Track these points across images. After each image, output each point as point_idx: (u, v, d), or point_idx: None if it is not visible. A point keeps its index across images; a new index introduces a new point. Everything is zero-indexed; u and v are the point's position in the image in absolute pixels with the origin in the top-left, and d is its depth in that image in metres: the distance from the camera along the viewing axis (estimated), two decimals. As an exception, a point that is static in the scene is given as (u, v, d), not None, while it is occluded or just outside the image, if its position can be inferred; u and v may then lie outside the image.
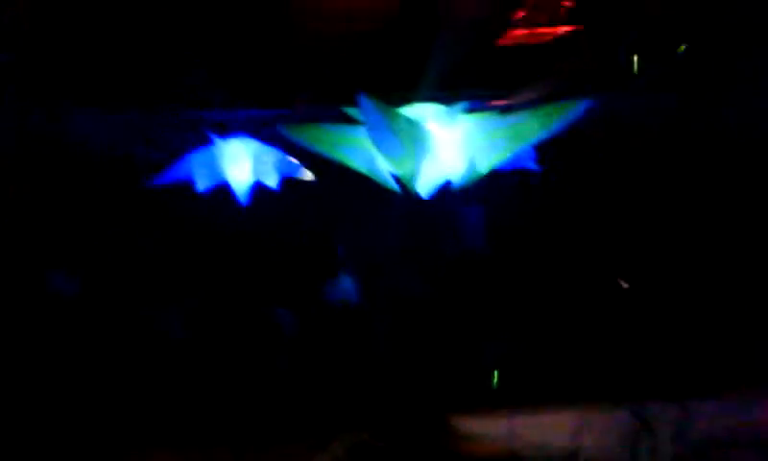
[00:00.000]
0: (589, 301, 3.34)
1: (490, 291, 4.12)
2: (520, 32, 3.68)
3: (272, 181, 4.34)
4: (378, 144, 3.94)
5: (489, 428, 2.58)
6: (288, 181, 4.31)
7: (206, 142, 4.22)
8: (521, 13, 3.64)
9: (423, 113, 3.99)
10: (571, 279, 3.78)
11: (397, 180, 4.10)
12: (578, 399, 2.56)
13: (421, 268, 4.54)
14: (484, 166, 4.26)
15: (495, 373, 2.70)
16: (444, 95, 3.88)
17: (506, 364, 2.71)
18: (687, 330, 2.64)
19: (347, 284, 4.31)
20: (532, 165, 4.62)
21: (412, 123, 3.93)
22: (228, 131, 4.15)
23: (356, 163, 4.20)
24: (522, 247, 4.23)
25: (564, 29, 3.59)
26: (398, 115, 3.85)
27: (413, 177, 4.09)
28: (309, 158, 4.10)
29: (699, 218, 3.71)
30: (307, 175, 4.32)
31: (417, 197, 4.04)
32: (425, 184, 4.17)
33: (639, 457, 2.52)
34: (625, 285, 3.26)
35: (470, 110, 4.03)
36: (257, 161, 4.26)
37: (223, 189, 4.20)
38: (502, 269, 4.23)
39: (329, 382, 3.07)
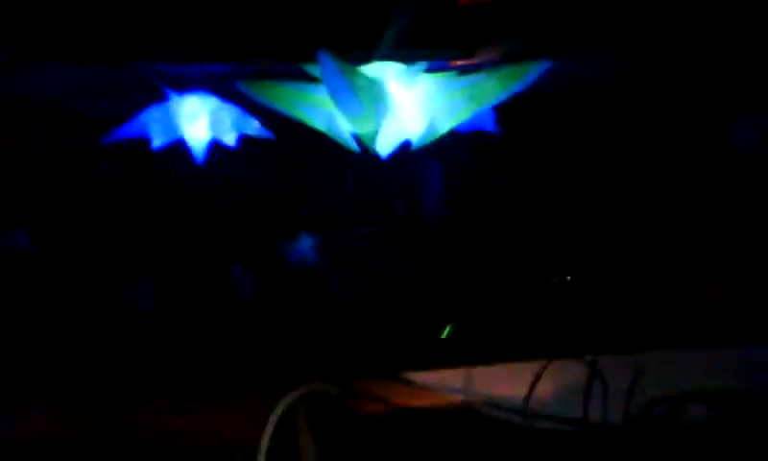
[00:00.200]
0: (546, 258, 3.38)
1: (446, 250, 4.16)
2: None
3: (230, 138, 4.28)
4: (338, 102, 3.91)
5: (445, 382, 2.60)
6: (246, 139, 4.26)
7: (163, 98, 4.15)
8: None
9: (384, 72, 3.97)
10: (529, 238, 3.83)
11: (357, 139, 4.09)
12: (534, 353, 2.58)
13: (379, 228, 4.55)
14: (444, 126, 4.27)
15: (448, 327, 2.73)
16: (405, 54, 3.84)
17: (463, 320, 2.73)
18: (642, 285, 2.69)
19: (305, 244, 4.29)
20: (491, 126, 4.65)
21: (372, 81, 3.90)
22: (185, 86, 4.07)
23: (316, 122, 4.16)
24: (481, 207, 4.26)
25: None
26: (359, 73, 3.82)
27: (373, 136, 4.08)
28: (268, 116, 4.05)
29: (654, 177, 3.77)
30: (265, 133, 4.27)
31: (376, 156, 4.03)
32: (385, 144, 4.15)
33: (592, 409, 2.57)
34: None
35: (431, 70, 4.02)
36: (215, 118, 4.19)
37: (179, 146, 4.13)
38: (460, 229, 4.26)
39: (287, 337, 3.06)
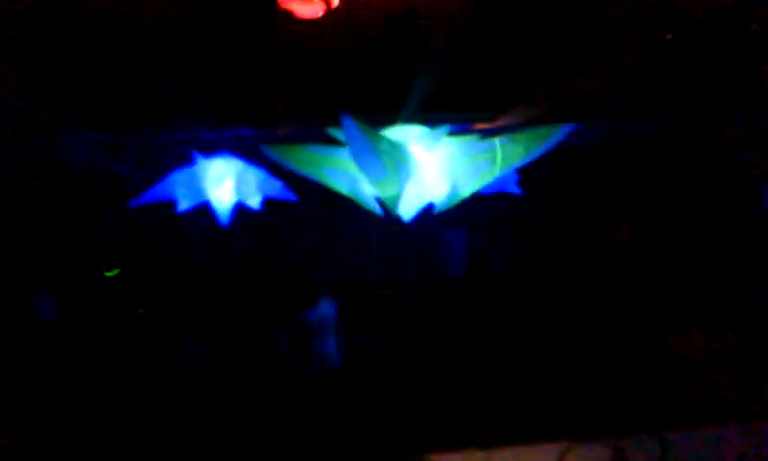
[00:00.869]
0: (572, 333, 3.34)
1: (471, 319, 4.11)
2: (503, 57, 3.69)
3: (254, 201, 4.31)
4: (361, 166, 3.91)
5: (467, 462, 2.56)
6: (270, 202, 4.28)
7: (189, 161, 4.19)
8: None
9: (406, 135, 3.98)
10: (553, 308, 3.78)
11: (380, 202, 4.08)
12: (558, 434, 2.55)
13: (404, 293, 4.52)
14: (467, 189, 4.26)
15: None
16: (428, 118, 3.87)
17: (488, 398, 2.71)
18: (666, 365, 2.65)
19: (326, 309, 4.26)
20: (515, 189, 4.62)
21: (395, 145, 3.91)
22: (211, 150, 4.12)
23: (339, 185, 4.17)
24: (504, 272, 4.22)
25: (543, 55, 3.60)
26: (381, 137, 3.83)
27: (396, 199, 4.07)
28: (292, 179, 4.08)
29: (680, 245, 3.72)
30: (290, 196, 4.29)
31: (399, 220, 4.02)
32: (408, 207, 4.14)
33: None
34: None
35: (453, 133, 4.02)
36: (240, 181, 4.22)
37: (204, 209, 4.17)
38: (484, 295, 4.22)
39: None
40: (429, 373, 3.22)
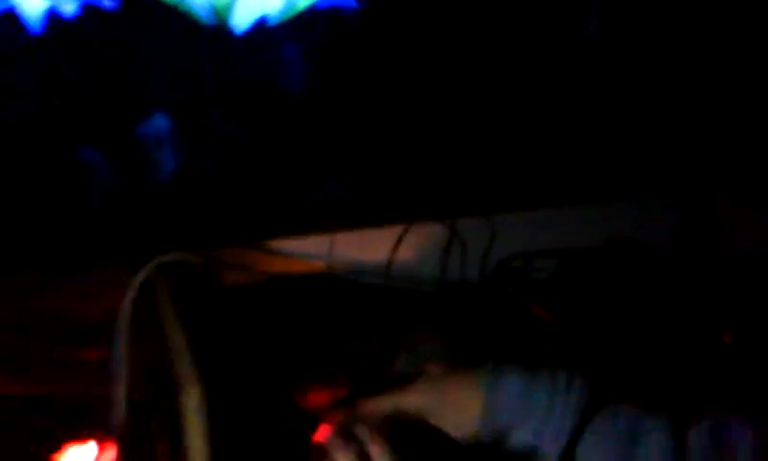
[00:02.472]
0: (404, 121, 3.36)
1: (309, 129, 4.07)
2: None
3: (69, 6, 3.93)
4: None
5: (309, 248, 2.59)
6: (88, 8, 3.92)
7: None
8: None
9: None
10: (390, 108, 3.80)
11: (210, 10, 3.85)
12: (397, 217, 2.62)
13: (236, 109, 4.38)
14: (302, 1, 4.11)
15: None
16: None
17: (328, 185, 2.72)
18: (496, 149, 2.77)
19: (159, 123, 4.08)
20: (351, 2, 4.52)
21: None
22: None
23: (165, -9, 3.89)
24: (339, 87, 4.18)
25: None
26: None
27: (228, 8, 3.86)
28: (111, -15, 3.74)
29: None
30: (109, 2, 3.95)
31: (230, 31, 3.83)
32: (241, 17, 3.95)
33: (450, 269, 2.65)
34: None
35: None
36: (51, -15, 3.83)
37: (10, 15, 3.75)
38: (319, 108, 4.17)
39: (145, 211, 2.93)
40: (266, 177, 3.17)
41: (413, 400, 1.77)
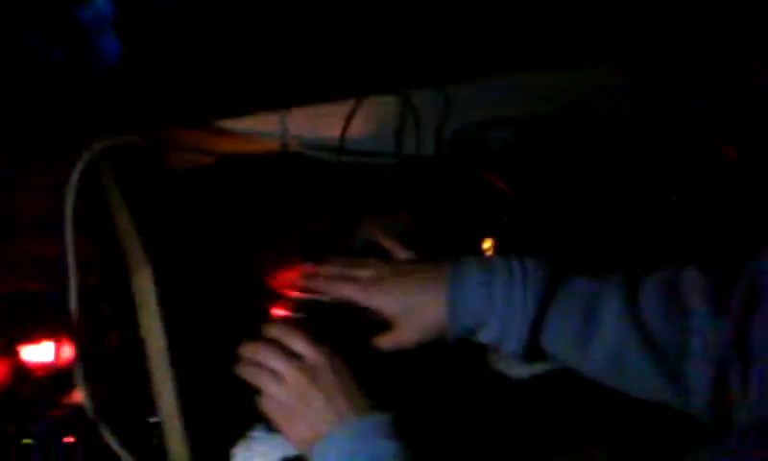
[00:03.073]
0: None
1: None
2: None
3: None
4: None
5: (261, 127, 2.53)
6: None
7: None
8: None
9: None
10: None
11: None
12: (349, 91, 2.55)
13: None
14: None
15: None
16: None
17: (279, 60, 2.63)
18: (449, 17, 2.69)
19: (101, 4, 3.87)
20: None
21: None
22: None
23: None
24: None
25: None
26: None
27: None
28: None
29: None
30: None
31: None
32: None
33: (405, 142, 2.62)
34: None
35: None
36: None
37: None
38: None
39: (85, 94, 2.82)
40: (215, 54, 3.06)
41: (375, 298, 1.78)
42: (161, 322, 1.67)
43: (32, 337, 2.00)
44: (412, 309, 1.68)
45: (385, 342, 1.81)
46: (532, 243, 2.27)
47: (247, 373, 1.73)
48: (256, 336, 1.81)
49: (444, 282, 1.66)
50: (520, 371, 1.98)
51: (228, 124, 2.53)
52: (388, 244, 2.03)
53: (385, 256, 2.02)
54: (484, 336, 1.78)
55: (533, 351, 1.77)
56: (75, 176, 1.99)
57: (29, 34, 3.51)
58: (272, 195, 2.44)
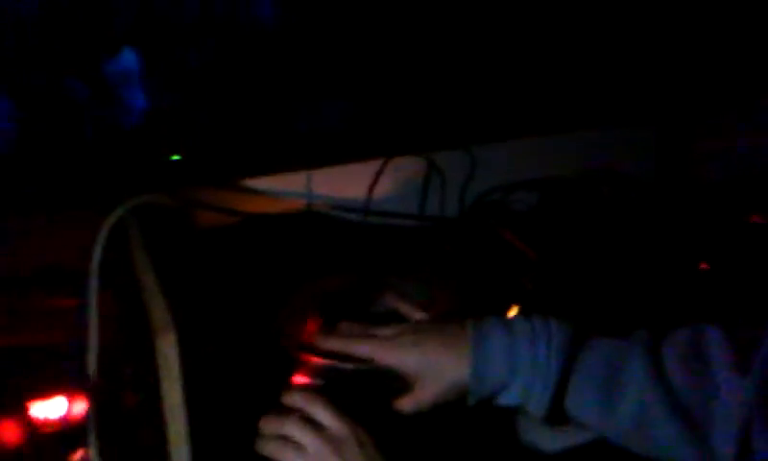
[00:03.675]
0: (381, 54, 3.28)
1: (285, 64, 3.96)
2: None
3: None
4: None
5: (286, 186, 2.55)
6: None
7: None
8: None
9: None
10: (366, 41, 3.69)
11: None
12: (375, 151, 2.57)
13: (215, 40, 4.25)
14: None
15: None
16: None
17: (306, 120, 2.66)
18: (476, 80, 2.71)
19: (128, 58, 3.96)
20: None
21: None
22: None
23: None
24: (313, 18, 4.05)
25: None
26: None
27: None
28: None
29: None
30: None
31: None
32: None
33: (429, 202, 2.63)
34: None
35: None
36: None
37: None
38: (294, 40, 4.05)
39: (111, 151, 2.86)
40: (242, 114, 3.10)
41: (395, 355, 1.73)
42: (182, 389, 1.66)
43: (43, 392, 1.98)
44: (433, 368, 1.64)
45: (405, 403, 1.77)
46: (557, 310, 2.24)
47: (269, 448, 1.70)
48: (276, 405, 1.79)
49: (466, 341, 1.63)
50: (551, 443, 1.93)
51: (254, 183, 2.54)
52: (405, 308, 2.02)
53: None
54: (506, 397, 1.75)
55: (555, 413, 1.74)
56: (104, 231, 2.00)
57: (60, 83, 3.59)
58: (296, 255, 2.43)
